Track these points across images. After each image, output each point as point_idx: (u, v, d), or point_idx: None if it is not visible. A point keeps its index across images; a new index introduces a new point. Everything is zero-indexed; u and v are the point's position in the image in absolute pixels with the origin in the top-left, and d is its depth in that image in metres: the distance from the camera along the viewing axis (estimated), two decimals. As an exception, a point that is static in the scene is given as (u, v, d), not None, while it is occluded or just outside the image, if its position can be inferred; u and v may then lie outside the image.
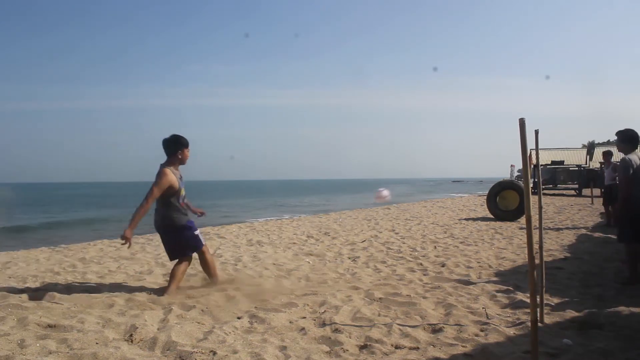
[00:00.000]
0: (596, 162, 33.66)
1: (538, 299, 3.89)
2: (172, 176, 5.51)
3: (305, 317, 4.67)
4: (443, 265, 7.35)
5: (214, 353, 3.67)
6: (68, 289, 5.84)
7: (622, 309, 4.77)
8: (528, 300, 4.24)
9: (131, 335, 4.11)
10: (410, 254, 8.57)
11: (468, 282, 6.12)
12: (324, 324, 4.41)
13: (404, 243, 10.10)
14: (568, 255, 8.17)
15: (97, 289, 5.87)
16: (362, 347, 3.84)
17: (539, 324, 3.91)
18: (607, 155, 12.40)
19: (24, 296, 5.49)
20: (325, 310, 4.87)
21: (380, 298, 5.39)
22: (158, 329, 4.26)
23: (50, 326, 4.40)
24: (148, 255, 8.80)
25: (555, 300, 5.14)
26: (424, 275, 6.72)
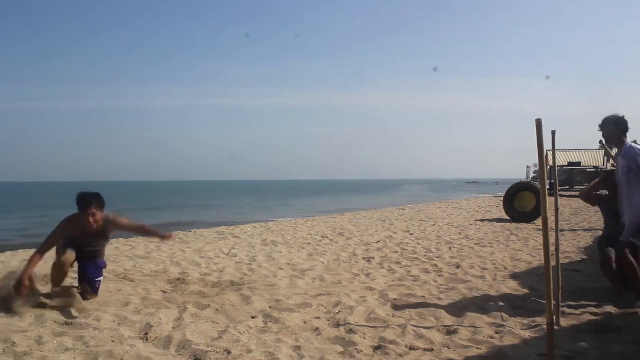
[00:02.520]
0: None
1: (554, 302, 3.85)
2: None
3: (319, 317, 4.67)
4: (458, 267, 7.32)
5: (228, 352, 3.69)
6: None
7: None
8: (544, 303, 4.20)
9: (146, 333, 4.14)
10: (425, 255, 8.54)
11: (483, 284, 6.08)
12: (338, 324, 4.41)
13: (418, 244, 10.06)
14: (584, 257, 8.10)
15: (113, 287, 5.91)
16: (376, 348, 3.83)
17: (555, 327, 3.87)
18: None
19: (41, 294, 5.55)
20: (339, 311, 4.87)
21: (394, 299, 5.37)
22: (173, 328, 4.28)
23: (66, 323, 4.45)
24: (163, 254, 8.85)
25: (572, 303, 5.09)
26: (439, 276, 6.69)
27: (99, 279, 5.38)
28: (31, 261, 5.12)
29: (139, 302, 5.22)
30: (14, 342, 3.85)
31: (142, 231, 5.90)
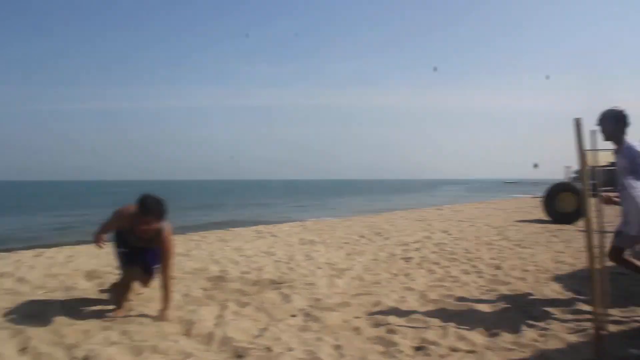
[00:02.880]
0: None
1: (601, 306, 3.76)
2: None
3: (359, 317, 4.67)
4: (498, 268, 7.20)
5: (270, 350, 3.72)
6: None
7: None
8: (589, 307, 4.11)
9: (189, 329, 4.21)
10: (464, 256, 8.43)
11: (525, 286, 5.98)
12: (378, 324, 4.40)
13: (457, 244, 9.95)
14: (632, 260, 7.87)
15: (155, 284, 6.02)
16: (418, 349, 3.81)
17: (603, 332, 3.78)
18: None
19: (88, 289, 5.72)
20: (379, 311, 4.85)
21: (434, 300, 5.33)
22: (214, 325, 4.34)
23: (112, 319, 4.57)
24: (203, 252, 8.97)
25: (619, 308, 4.96)
26: (479, 277, 6.60)
27: (156, 265, 5.01)
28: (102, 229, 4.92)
29: (180, 298, 5.31)
30: (63, 335, 3.99)
31: (164, 278, 4.86)
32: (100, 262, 7.88)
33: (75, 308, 4.84)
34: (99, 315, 4.62)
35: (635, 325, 4.39)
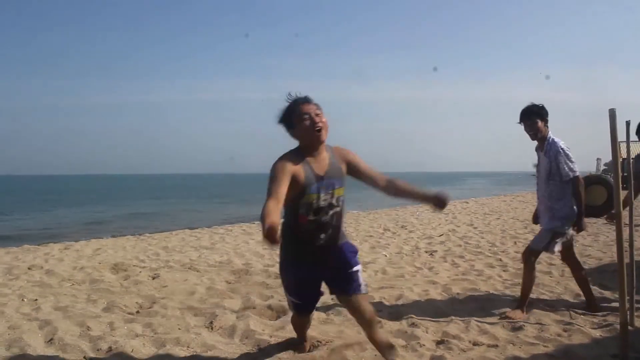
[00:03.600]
0: None
1: (628, 300, 3.68)
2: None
3: (381, 311, 4.65)
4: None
5: (291, 342, 3.73)
6: (152, 276, 6.09)
7: None
8: (616, 301, 4.03)
9: (211, 322, 4.24)
10: (489, 249, 8.36)
11: (550, 280, 5.90)
12: (400, 318, 4.38)
13: (482, 238, 9.86)
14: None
15: (180, 277, 6.09)
16: (439, 343, 3.78)
17: (629, 327, 3.71)
18: None
19: (114, 281, 5.82)
20: (402, 304, 4.84)
21: (457, 293, 5.29)
22: (237, 318, 4.36)
23: (136, 311, 4.63)
24: (227, 245, 9.05)
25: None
26: (504, 271, 6.53)
27: (358, 267, 3.37)
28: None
29: (204, 291, 5.35)
30: (89, 327, 4.06)
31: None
32: (126, 254, 8.01)
33: (101, 300, 4.92)
34: (124, 307, 4.69)
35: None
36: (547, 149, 4.45)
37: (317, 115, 2.94)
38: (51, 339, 3.80)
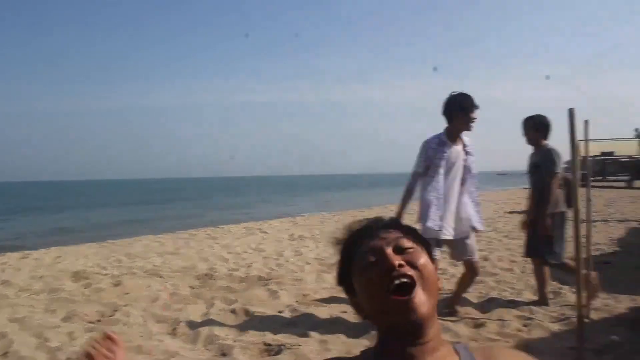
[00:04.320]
0: None
1: (584, 295, 3.78)
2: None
3: (346, 312, 4.66)
4: (486, 259, 7.22)
5: (256, 346, 3.71)
6: (114, 283, 5.99)
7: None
8: (574, 296, 4.13)
9: (174, 328, 4.20)
10: (453, 248, 8.46)
11: (512, 277, 6.00)
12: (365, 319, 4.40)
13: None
14: (617, 249, 7.92)
15: (142, 283, 6.00)
16: (404, 342, 3.80)
17: (585, 320, 3.80)
18: None
19: (74, 290, 5.70)
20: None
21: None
22: (201, 323, 4.33)
23: (97, 320, 4.55)
24: (192, 250, 8.96)
25: (603, 296, 4.99)
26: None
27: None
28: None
29: (167, 298, 5.29)
30: (47, 338, 3.96)
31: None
32: (87, 262, 7.85)
33: (61, 310, 4.81)
34: (84, 316, 4.59)
35: (617, 312, 4.43)
36: None
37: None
38: (6, 352, 3.69)
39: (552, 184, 4.58)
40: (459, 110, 4.14)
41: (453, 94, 4.20)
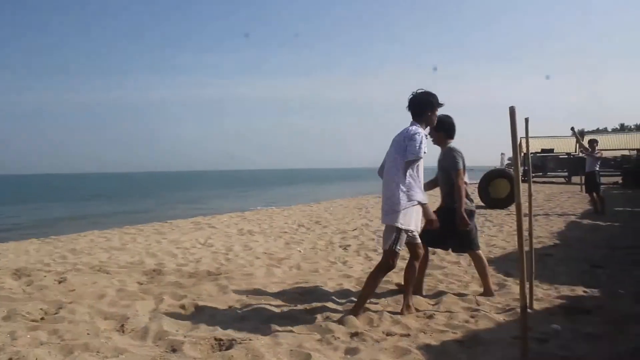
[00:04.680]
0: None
1: (527, 286, 3.92)
2: None
3: (296, 306, 4.68)
4: (434, 253, 7.36)
5: (206, 341, 3.68)
6: (58, 280, 5.81)
7: (610, 294, 4.84)
8: (518, 287, 4.27)
9: (122, 325, 4.11)
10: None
11: (459, 270, 6.15)
12: (315, 312, 4.43)
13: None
14: (557, 242, 8.23)
15: (88, 279, 5.84)
16: (353, 335, 3.85)
17: (529, 310, 3.94)
18: (593, 143, 12.57)
19: (15, 287, 5.49)
20: (316, 298, 4.88)
21: (371, 286, 5.41)
22: (149, 319, 4.25)
23: (41, 318, 4.39)
24: (139, 245, 8.78)
25: (545, 287, 5.19)
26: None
27: None
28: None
29: (114, 294, 5.17)
30: (-14, 338, 3.80)
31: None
32: (29, 259, 7.59)
33: (0, 309, 4.61)
34: (25, 315, 4.42)
35: (558, 302, 4.61)
36: None
37: None
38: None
39: (457, 181, 4.73)
40: (431, 107, 4.34)
41: (422, 92, 4.37)
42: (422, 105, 4.33)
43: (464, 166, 4.83)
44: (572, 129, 13.73)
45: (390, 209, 4.22)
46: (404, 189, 4.15)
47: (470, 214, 4.88)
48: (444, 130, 4.89)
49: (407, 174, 4.18)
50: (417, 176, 4.23)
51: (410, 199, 4.16)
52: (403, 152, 4.18)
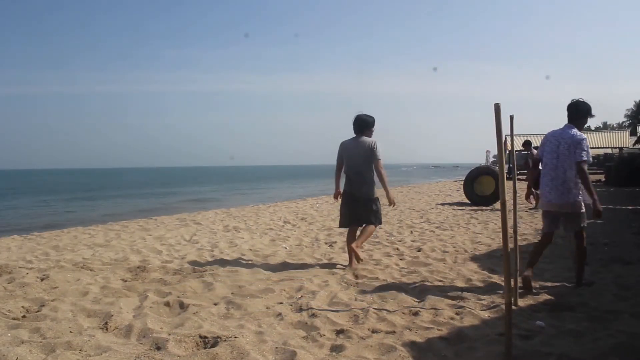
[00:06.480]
0: None
1: (512, 283, 3.94)
2: None
3: (282, 303, 4.67)
4: (419, 250, 7.41)
5: (191, 339, 3.65)
6: (41, 277, 5.73)
7: (594, 290, 4.88)
8: (503, 284, 4.29)
9: (106, 323, 4.06)
10: (387, 239, 8.62)
11: (444, 267, 6.17)
12: (300, 309, 4.42)
13: (380, 228, 10.12)
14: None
15: (71, 277, 5.78)
16: (339, 332, 3.84)
17: (513, 307, 3.97)
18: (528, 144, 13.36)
19: (-4, 285, 5.40)
20: (302, 296, 4.88)
21: (357, 283, 5.41)
22: (133, 317, 4.22)
23: (22, 316, 4.33)
24: (123, 242, 8.71)
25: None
26: (401, 259, 6.77)
27: None
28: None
29: (98, 291, 5.12)
30: (-35, 337, 3.73)
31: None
32: (11, 255, 7.51)
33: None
34: (7, 312, 4.36)
35: (542, 299, 4.65)
36: None
37: None
38: None
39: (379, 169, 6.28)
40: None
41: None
42: (584, 113, 5.05)
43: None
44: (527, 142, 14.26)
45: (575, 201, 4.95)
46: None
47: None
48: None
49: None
50: None
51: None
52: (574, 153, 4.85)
